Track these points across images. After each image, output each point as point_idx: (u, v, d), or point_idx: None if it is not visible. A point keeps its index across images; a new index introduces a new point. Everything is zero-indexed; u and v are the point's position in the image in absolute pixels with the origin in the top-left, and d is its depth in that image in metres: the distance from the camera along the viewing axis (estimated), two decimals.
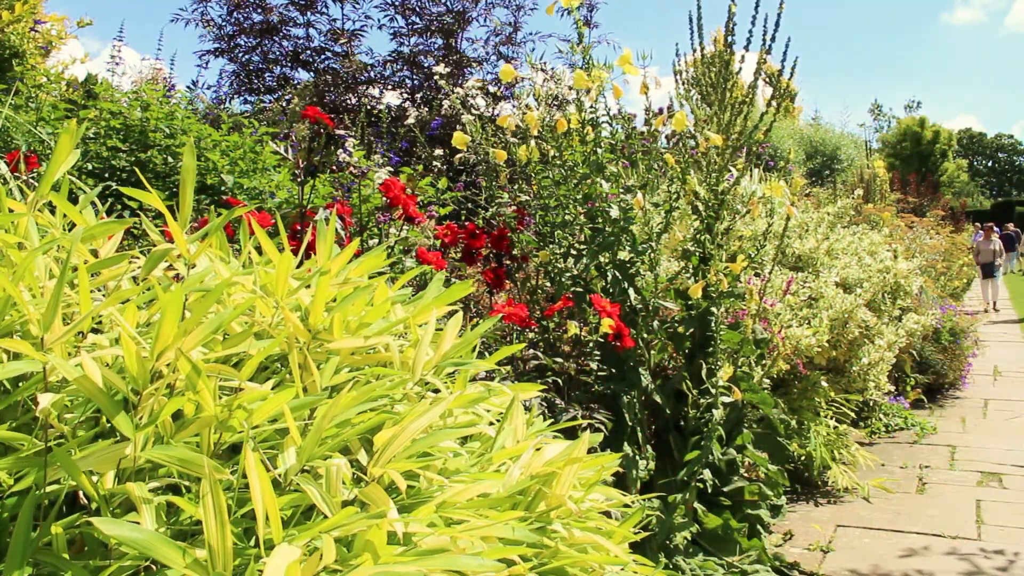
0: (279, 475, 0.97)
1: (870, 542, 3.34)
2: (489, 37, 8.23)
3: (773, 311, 3.77)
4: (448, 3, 8.18)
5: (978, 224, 16.59)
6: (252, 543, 0.94)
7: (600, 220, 2.80)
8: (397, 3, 8.19)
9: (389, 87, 8.17)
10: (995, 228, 15.41)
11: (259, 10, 8.22)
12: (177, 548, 0.80)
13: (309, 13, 8.36)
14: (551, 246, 2.91)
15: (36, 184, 1.28)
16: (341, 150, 3.33)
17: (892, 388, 5.30)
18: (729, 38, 3.24)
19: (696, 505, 2.79)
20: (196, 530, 0.96)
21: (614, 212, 2.77)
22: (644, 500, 2.46)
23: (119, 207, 2.70)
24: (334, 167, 3.42)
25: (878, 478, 4.14)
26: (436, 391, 1.30)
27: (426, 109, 7.60)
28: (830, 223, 5.24)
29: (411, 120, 5.43)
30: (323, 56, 8.51)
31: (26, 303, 0.98)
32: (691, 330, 2.92)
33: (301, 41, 8.51)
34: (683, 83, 3.36)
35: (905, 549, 3.26)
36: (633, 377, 2.70)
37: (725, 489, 2.89)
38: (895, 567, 3.06)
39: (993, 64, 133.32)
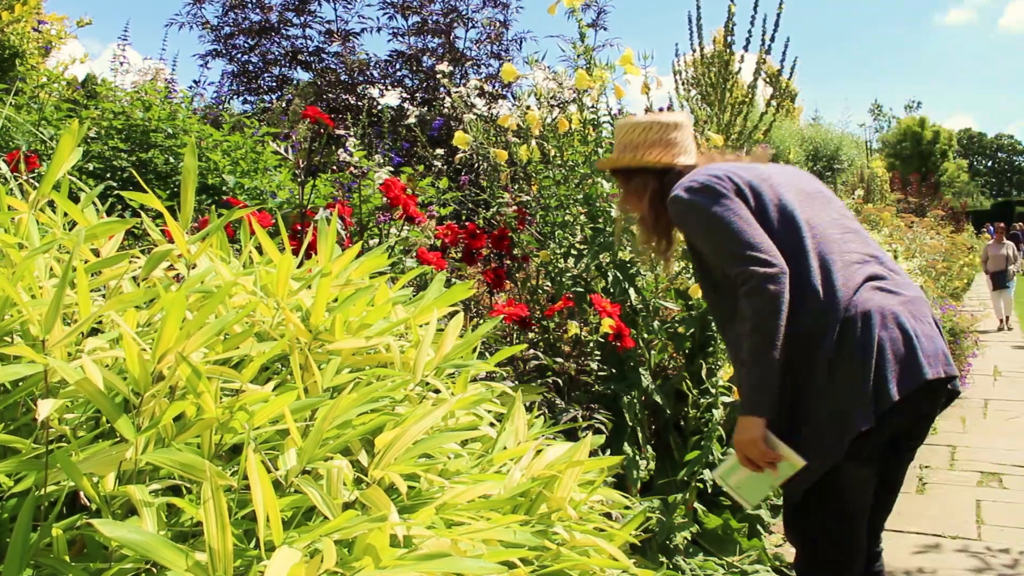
0: (280, 476, 0.97)
1: None
2: (483, 36, 8.24)
3: None
4: (447, 1, 8.18)
5: (995, 225, 13.14)
6: (253, 545, 0.93)
7: (601, 220, 2.80)
8: (396, 3, 8.19)
9: (389, 87, 8.17)
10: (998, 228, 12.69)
11: (256, 10, 8.22)
12: (178, 551, 0.80)
13: (304, 15, 8.37)
14: (552, 246, 2.90)
15: (36, 184, 1.28)
16: (342, 150, 3.33)
17: None
18: (729, 38, 3.24)
19: (696, 505, 2.78)
20: (197, 531, 0.96)
21: (615, 212, 2.76)
22: (644, 501, 2.46)
23: (120, 207, 2.69)
24: (335, 167, 3.42)
25: None
26: (437, 392, 1.30)
27: (426, 108, 7.59)
28: None
29: (412, 120, 5.44)
30: (320, 57, 8.51)
31: (27, 305, 0.97)
32: (691, 330, 2.92)
33: (299, 41, 8.51)
34: (683, 83, 3.36)
35: (906, 549, 3.25)
36: (633, 377, 2.70)
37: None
38: (896, 566, 3.06)
39: (988, 65, 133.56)
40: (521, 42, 8.35)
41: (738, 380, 1.68)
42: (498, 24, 8.17)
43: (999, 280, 11.50)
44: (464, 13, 8.08)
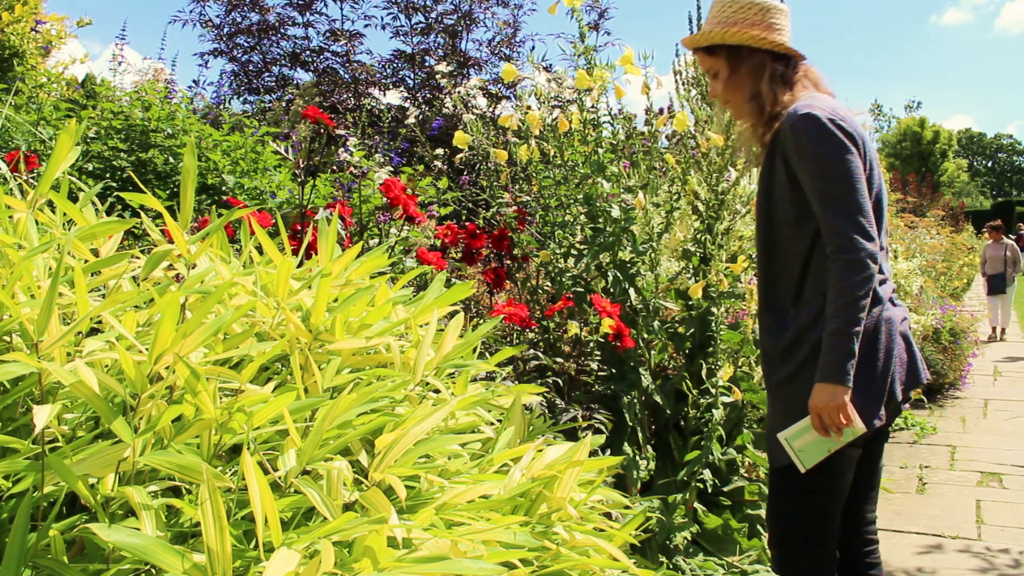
0: (279, 477, 0.97)
1: None
2: (493, 38, 8.25)
3: None
4: (454, 2, 8.18)
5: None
6: (252, 545, 0.93)
7: (601, 220, 2.79)
8: (401, 2, 8.18)
9: (390, 86, 8.16)
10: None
11: (256, 10, 8.21)
12: (176, 553, 0.80)
13: (308, 13, 8.36)
14: (552, 246, 2.90)
15: (36, 184, 1.28)
16: (342, 150, 3.32)
17: None
18: None
19: (696, 505, 2.78)
20: (196, 531, 0.96)
21: (615, 212, 2.76)
22: (644, 501, 2.46)
23: (120, 207, 2.69)
24: (335, 167, 3.41)
25: None
26: (437, 392, 1.29)
27: (426, 108, 7.59)
28: None
29: (412, 120, 5.44)
30: (322, 56, 8.50)
31: (18, 307, 0.97)
32: (691, 330, 2.91)
33: (300, 41, 8.50)
34: (683, 83, 3.35)
35: (906, 549, 3.25)
36: (633, 377, 2.70)
37: (725, 489, 2.88)
38: (896, 566, 3.06)
39: (986, 65, 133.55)
40: (533, 47, 8.39)
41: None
42: (508, 24, 8.16)
43: (996, 284, 10.24)
44: (471, 13, 8.08)
